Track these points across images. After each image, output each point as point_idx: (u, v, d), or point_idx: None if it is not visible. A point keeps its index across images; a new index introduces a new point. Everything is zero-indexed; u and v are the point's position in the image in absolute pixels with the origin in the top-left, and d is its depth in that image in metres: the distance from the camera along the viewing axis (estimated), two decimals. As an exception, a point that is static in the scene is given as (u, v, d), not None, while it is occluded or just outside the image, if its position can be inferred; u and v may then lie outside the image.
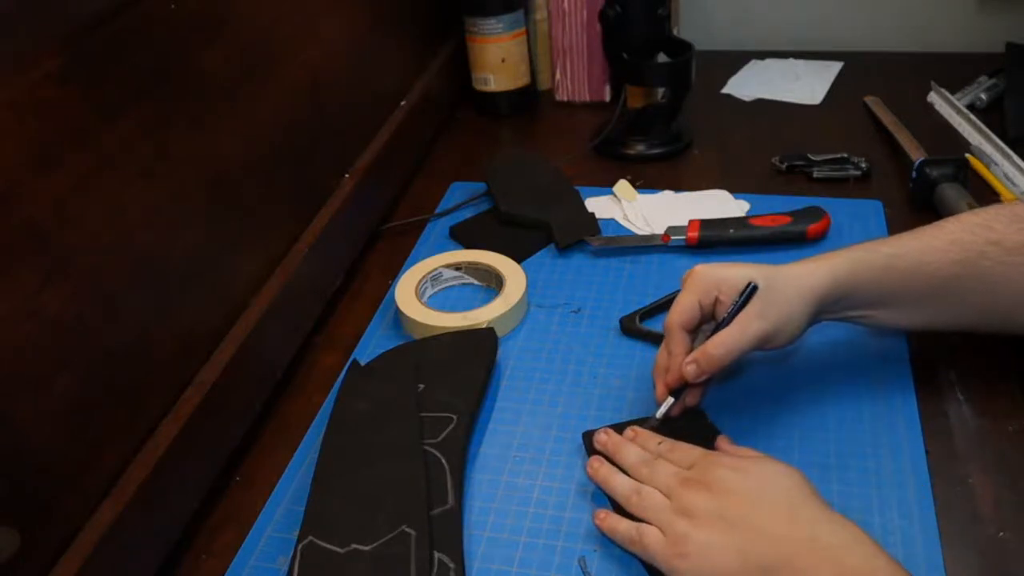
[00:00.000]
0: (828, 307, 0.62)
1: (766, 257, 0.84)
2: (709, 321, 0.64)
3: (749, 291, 0.60)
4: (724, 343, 0.59)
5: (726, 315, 0.60)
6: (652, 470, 0.58)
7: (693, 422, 0.64)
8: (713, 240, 0.85)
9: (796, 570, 0.48)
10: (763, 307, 0.59)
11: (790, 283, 0.60)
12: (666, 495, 0.55)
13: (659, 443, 0.61)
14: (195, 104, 0.64)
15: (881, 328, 0.65)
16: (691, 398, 0.64)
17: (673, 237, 0.86)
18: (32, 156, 0.49)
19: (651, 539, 0.54)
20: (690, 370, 0.60)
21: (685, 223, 0.86)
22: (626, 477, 0.59)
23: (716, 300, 0.62)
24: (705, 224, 0.85)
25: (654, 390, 0.65)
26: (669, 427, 0.63)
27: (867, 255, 0.62)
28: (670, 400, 0.63)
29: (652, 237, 0.87)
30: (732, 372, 0.69)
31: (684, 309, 0.62)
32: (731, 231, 0.85)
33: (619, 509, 0.58)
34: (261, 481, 0.66)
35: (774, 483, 0.54)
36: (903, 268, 0.61)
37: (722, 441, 0.61)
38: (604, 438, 0.63)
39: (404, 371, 0.70)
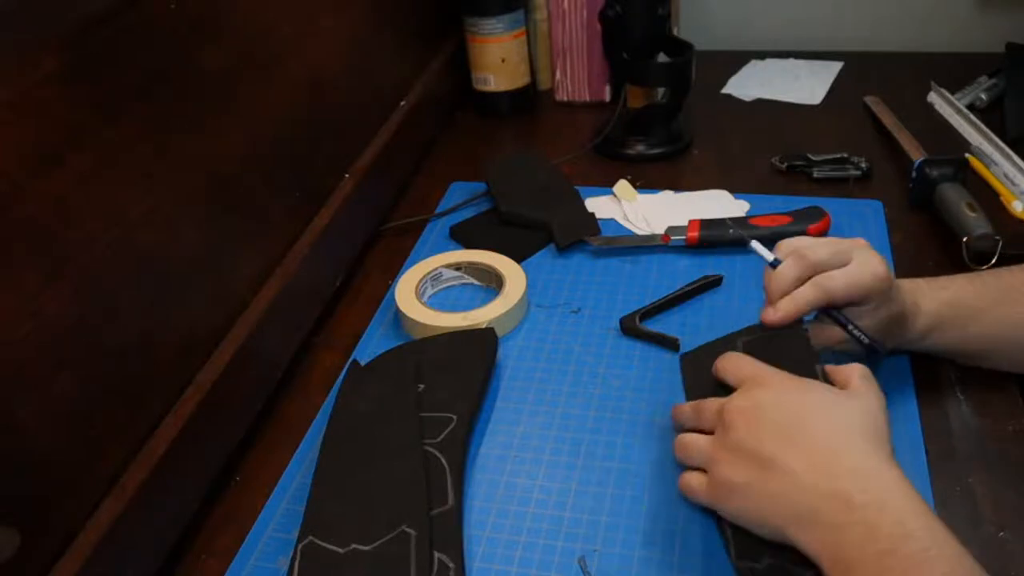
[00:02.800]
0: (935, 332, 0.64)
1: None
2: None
3: None
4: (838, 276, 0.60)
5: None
6: (705, 408, 0.57)
7: (791, 341, 0.61)
8: (713, 240, 0.85)
9: (827, 526, 0.47)
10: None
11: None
12: (712, 431, 0.55)
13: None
14: (195, 104, 0.64)
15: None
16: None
17: (673, 237, 0.86)
18: (32, 156, 0.49)
19: (695, 484, 0.55)
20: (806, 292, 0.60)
21: (685, 223, 0.86)
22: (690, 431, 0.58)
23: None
24: (705, 224, 0.85)
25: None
26: (767, 347, 0.61)
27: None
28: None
29: (652, 237, 0.87)
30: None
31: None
32: (731, 231, 0.85)
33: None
34: (261, 481, 0.66)
35: (821, 416, 0.51)
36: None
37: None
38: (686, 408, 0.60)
39: (404, 371, 0.70)
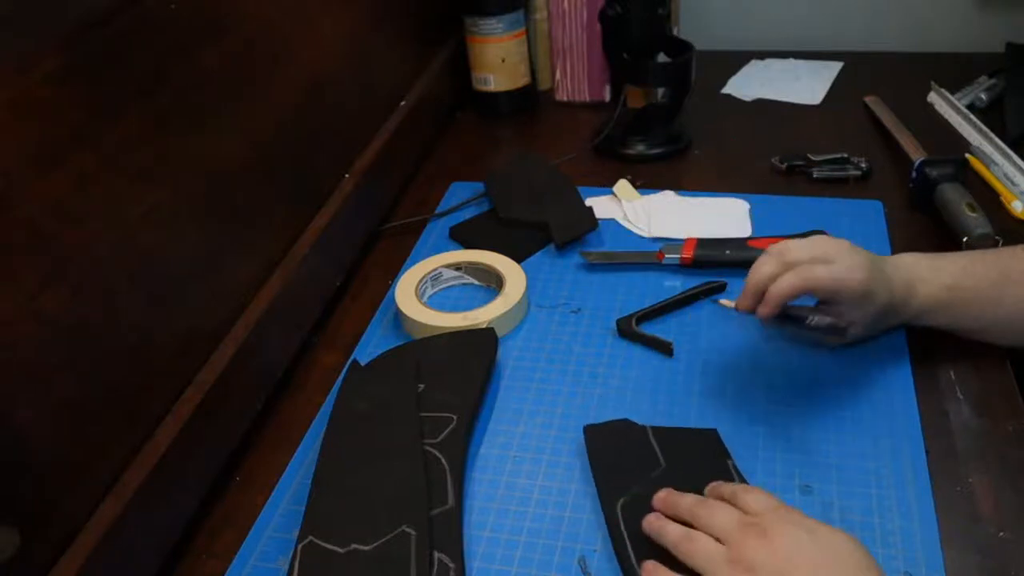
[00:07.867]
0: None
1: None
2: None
3: None
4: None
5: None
6: (710, 511, 0.52)
7: (704, 445, 0.63)
8: (709, 261, 0.82)
9: None
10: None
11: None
12: (722, 540, 0.50)
13: (732, 491, 0.55)
14: (195, 104, 0.64)
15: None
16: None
17: (667, 255, 0.83)
18: (32, 156, 0.49)
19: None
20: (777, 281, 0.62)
21: (683, 238, 0.84)
22: (678, 525, 0.53)
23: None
24: (701, 244, 0.83)
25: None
26: (678, 450, 0.62)
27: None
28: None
29: (647, 255, 0.84)
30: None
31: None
32: (727, 252, 0.82)
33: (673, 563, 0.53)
34: (261, 481, 0.66)
35: (842, 559, 0.48)
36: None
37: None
38: (663, 496, 0.56)
39: (404, 371, 0.70)
